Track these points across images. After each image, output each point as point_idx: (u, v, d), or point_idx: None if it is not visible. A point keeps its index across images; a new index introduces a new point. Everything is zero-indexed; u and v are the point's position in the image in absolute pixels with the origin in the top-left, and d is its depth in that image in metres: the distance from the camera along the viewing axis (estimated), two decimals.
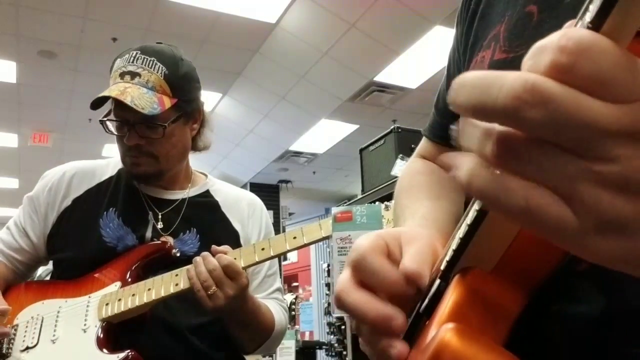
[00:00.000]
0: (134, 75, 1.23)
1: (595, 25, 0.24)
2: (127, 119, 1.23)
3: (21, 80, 5.79)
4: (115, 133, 1.26)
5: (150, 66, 1.24)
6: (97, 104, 1.21)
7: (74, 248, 1.28)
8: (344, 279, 0.44)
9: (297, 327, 6.95)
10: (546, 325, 0.43)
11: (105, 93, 1.20)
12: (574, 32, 0.23)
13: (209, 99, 6.40)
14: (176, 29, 4.78)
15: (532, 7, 0.49)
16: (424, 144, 0.80)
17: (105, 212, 1.30)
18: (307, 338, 8.70)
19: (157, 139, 1.24)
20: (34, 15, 4.66)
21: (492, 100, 0.24)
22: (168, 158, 1.29)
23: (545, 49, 0.24)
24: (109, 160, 1.44)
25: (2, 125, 6.88)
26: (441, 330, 0.34)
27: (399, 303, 0.42)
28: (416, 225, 0.56)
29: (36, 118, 6.76)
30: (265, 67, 5.76)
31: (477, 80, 0.25)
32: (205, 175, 1.47)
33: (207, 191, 1.42)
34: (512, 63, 0.49)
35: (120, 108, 1.22)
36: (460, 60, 0.67)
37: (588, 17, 0.24)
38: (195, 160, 1.47)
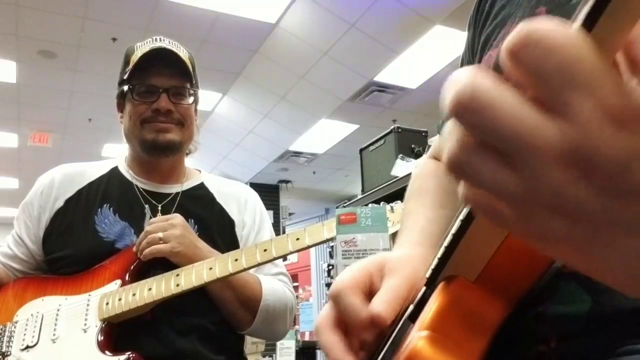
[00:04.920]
0: (166, 48, 1.31)
1: (588, 22, 0.23)
2: (156, 85, 1.29)
3: (21, 80, 5.78)
4: (143, 100, 1.30)
5: (177, 46, 1.34)
6: (141, 66, 1.28)
7: (69, 246, 1.28)
8: (323, 314, 0.49)
9: (297, 327, 6.94)
10: (535, 325, 0.43)
11: (151, 47, 1.29)
12: (537, 24, 0.23)
13: (209, 99, 6.40)
14: (176, 29, 4.77)
15: (541, 8, 0.50)
16: (438, 141, 0.80)
17: (99, 209, 1.31)
18: (307, 338, 8.70)
19: (185, 106, 1.32)
20: (34, 15, 4.66)
21: (450, 103, 0.25)
22: (190, 131, 1.36)
23: (514, 31, 0.24)
24: (99, 162, 1.45)
25: (2, 125, 6.87)
26: (414, 337, 0.34)
27: (370, 338, 0.46)
28: (413, 242, 0.59)
29: (36, 118, 6.75)
30: (265, 67, 5.76)
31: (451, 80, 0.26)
32: (199, 171, 1.49)
33: (202, 183, 1.43)
34: None
35: (155, 72, 1.29)
36: (471, 62, 0.67)
37: (582, 14, 0.24)
38: (195, 161, 1.48)
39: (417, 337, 0.34)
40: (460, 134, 0.26)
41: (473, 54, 0.66)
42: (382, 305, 0.44)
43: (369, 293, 0.47)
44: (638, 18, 0.23)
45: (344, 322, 0.47)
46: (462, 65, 0.72)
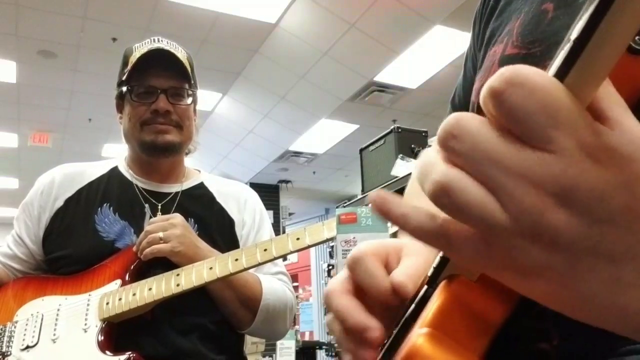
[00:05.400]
0: (164, 49, 1.31)
1: (560, 75, 0.25)
2: (155, 85, 1.29)
3: (21, 80, 5.79)
4: (142, 101, 1.30)
5: (175, 47, 1.34)
6: (139, 67, 1.28)
7: (69, 246, 1.28)
8: (337, 280, 0.45)
9: (297, 327, 6.96)
10: (537, 323, 0.43)
11: (149, 48, 1.29)
12: (520, 67, 0.25)
13: (209, 99, 6.40)
14: (176, 29, 4.78)
15: (548, 4, 0.49)
16: None
17: (99, 208, 1.31)
18: (307, 338, 8.72)
19: (184, 107, 1.32)
20: (34, 15, 4.66)
21: (438, 134, 0.28)
22: (189, 132, 1.36)
23: (497, 73, 0.26)
24: (99, 161, 1.45)
25: (2, 125, 6.87)
26: (414, 334, 0.34)
27: (385, 311, 0.43)
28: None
29: (36, 118, 6.75)
30: (265, 67, 5.76)
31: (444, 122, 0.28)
32: (199, 171, 1.50)
33: (202, 183, 1.43)
34: (524, 60, 0.49)
35: (153, 73, 1.29)
36: (476, 56, 0.67)
37: (553, 67, 0.26)
38: (195, 161, 1.48)
39: (417, 334, 0.34)
40: (446, 164, 0.27)
41: (478, 50, 0.66)
42: (404, 276, 0.42)
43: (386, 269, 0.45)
44: (605, 76, 0.26)
45: (360, 292, 0.43)
46: (466, 61, 0.72)
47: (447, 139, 0.27)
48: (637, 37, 0.34)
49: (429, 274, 0.41)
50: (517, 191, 0.25)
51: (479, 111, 0.58)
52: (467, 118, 0.26)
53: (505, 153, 0.25)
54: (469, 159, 0.26)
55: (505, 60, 0.51)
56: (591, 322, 0.28)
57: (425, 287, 0.41)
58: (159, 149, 1.30)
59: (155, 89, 1.29)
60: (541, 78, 0.25)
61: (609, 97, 0.27)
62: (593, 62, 0.25)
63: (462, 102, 0.71)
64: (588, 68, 0.25)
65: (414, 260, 0.45)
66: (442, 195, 0.27)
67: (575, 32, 0.24)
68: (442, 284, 0.39)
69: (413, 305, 0.41)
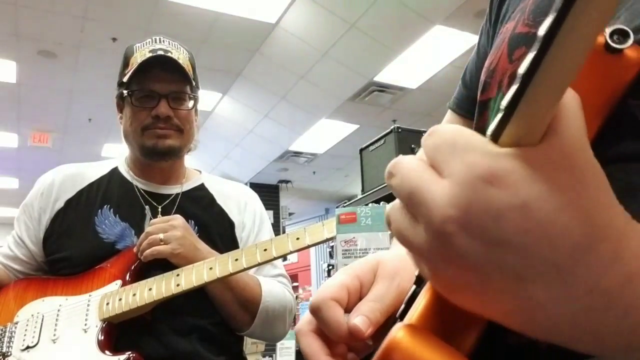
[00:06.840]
0: (166, 51, 1.30)
1: (495, 133, 0.28)
2: (156, 90, 1.28)
3: (21, 80, 5.79)
4: (143, 105, 1.29)
5: (177, 48, 1.34)
6: (140, 70, 1.27)
7: (70, 247, 1.28)
8: (304, 320, 0.48)
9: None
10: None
11: (150, 50, 1.29)
12: (435, 127, 0.31)
13: (209, 99, 6.40)
14: (176, 29, 4.78)
15: None
16: (448, 118, 0.79)
17: (99, 210, 1.31)
18: None
19: (185, 112, 1.32)
20: (34, 15, 4.66)
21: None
22: (189, 135, 1.36)
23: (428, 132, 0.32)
24: (99, 162, 1.45)
25: (2, 125, 6.87)
26: (394, 328, 0.34)
27: (352, 346, 0.46)
28: None
29: (36, 118, 6.75)
30: (265, 67, 5.76)
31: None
32: (199, 172, 1.49)
33: (202, 184, 1.43)
34: (533, 39, 0.48)
35: (154, 77, 1.28)
36: (490, 32, 0.66)
37: (492, 126, 0.28)
38: (195, 161, 1.48)
39: (397, 327, 0.34)
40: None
41: (491, 26, 0.65)
42: (360, 318, 0.43)
43: (360, 299, 0.46)
44: (556, 102, 0.27)
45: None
46: (480, 37, 0.70)
47: (387, 176, 0.31)
48: (615, 37, 0.34)
49: (417, 274, 0.41)
50: (427, 216, 0.28)
51: (484, 90, 0.58)
52: (404, 158, 0.31)
53: (421, 182, 0.28)
54: (395, 189, 0.31)
55: (515, 39, 0.50)
56: (527, 334, 0.30)
57: (414, 287, 0.41)
58: (159, 153, 1.30)
59: (156, 94, 1.28)
60: (448, 127, 0.29)
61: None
62: (540, 99, 0.26)
63: (474, 79, 0.69)
64: (537, 101, 0.26)
65: (381, 289, 0.46)
66: (387, 225, 0.33)
67: (523, 67, 0.26)
68: (428, 283, 0.39)
69: (403, 305, 0.41)
